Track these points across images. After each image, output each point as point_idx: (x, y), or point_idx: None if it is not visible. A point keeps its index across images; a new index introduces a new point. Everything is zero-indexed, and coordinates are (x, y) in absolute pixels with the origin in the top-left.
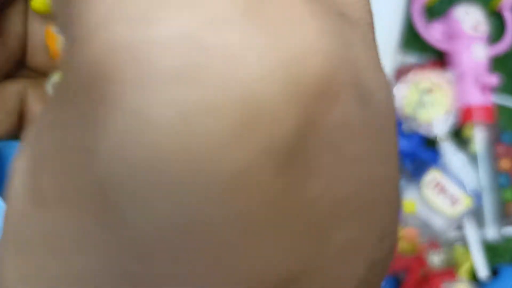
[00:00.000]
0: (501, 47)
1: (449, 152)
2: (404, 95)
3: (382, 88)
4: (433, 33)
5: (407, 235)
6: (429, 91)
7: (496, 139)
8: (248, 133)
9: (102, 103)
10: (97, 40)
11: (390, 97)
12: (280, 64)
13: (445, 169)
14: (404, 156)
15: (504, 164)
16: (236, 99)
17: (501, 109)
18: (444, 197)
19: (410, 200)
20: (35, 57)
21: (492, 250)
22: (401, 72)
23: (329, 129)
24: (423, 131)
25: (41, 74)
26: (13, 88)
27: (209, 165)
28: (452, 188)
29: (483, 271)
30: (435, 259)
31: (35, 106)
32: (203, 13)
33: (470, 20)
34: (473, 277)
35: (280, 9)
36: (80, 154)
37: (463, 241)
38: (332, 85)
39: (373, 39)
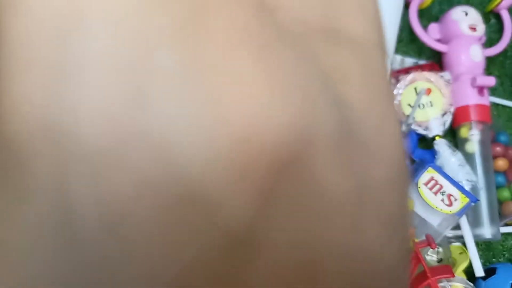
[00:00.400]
0: (498, 48)
1: (446, 152)
2: (402, 96)
3: (385, 126)
4: (431, 34)
5: None
6: (426, 92)
7: (492, 139)
8: (192, 224)
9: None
10: (15, 117)
11: (395, 138)
12: (223, 141)
13: (442, 169)
14: None
15: (500, 163)
16: (173, 184)
17: (498, 109)
18: (441, 196)
19: None
20: None
21: (488, 249)
22: (399, 73)
23: (292, 195)
24: (420, 131)
25: None
26: None
27: (143, 260)
28: (449, 188)
29: (479, 270)
30: (432, 257)
31: None
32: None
33: (467, 20)
34: (470, 275)
35: (226, 64)
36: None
37: (460, 240)
38: (292, 150)
39: (381, 65)
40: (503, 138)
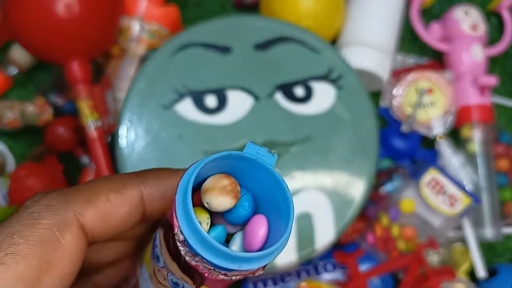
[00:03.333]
0: (499, 47)
1: (448, 152)
2: (403, 95)
3: None
4: (432, 34)
5: (406, 234)
6: (428, 91)
7: (494, 139)
8: None
9: None
10: None
11: None
12: None
13: (443, 169)
14: (404, 156)
15: (503, 164)
16: None
17: (500, 109)
18: (443, 197)
19: (409, 200)
20: None
21: (491, 250)
22: (400, 73)
23: None
24: (422, 131)
25: None
26: None
27: None
28: (451, 188)
29: (481, 271)
30: (434, 258)
31: None
32: None
33: (468, 20)
34: (472, 276)
35: None
36: None
37: (462, 241)
38: None
39: None
40: (505, 138)
